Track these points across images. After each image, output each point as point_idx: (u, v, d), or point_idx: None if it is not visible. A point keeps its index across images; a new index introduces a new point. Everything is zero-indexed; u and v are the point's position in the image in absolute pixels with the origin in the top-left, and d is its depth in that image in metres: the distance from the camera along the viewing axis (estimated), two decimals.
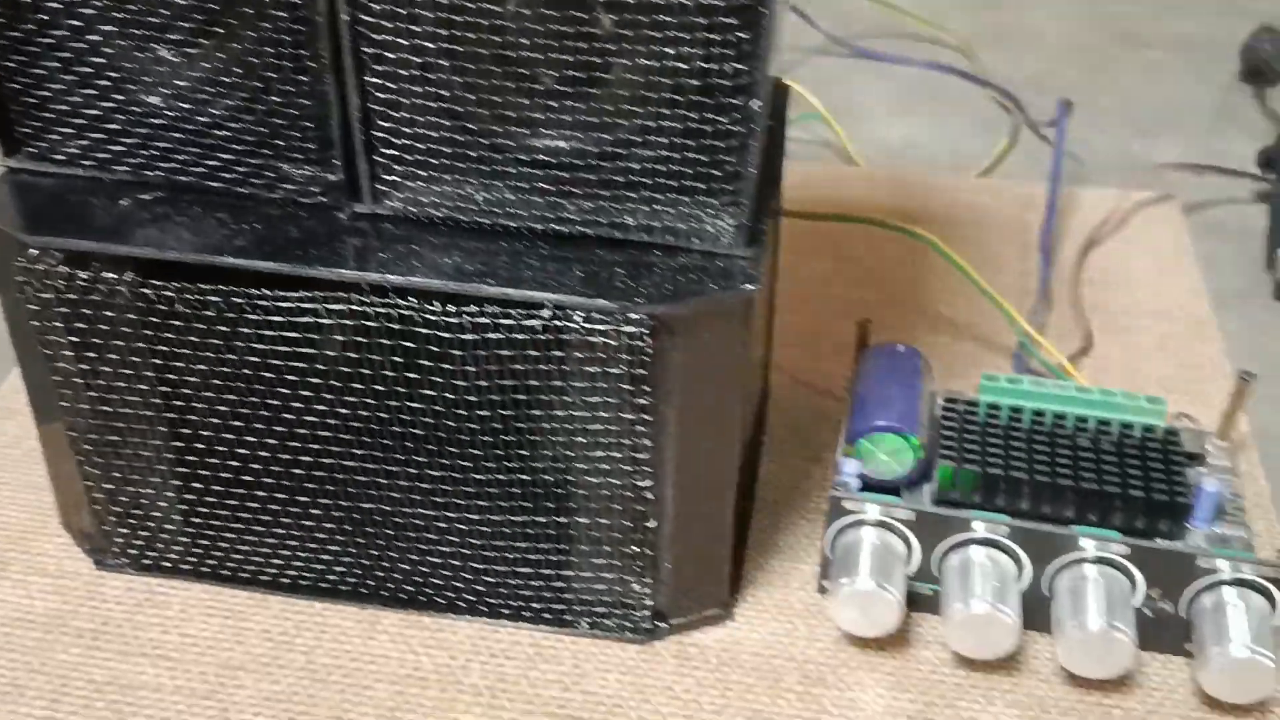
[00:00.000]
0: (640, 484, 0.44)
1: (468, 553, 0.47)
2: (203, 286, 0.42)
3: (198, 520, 0.48)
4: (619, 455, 0.44)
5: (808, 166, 0.79)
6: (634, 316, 0.40)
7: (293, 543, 0.48)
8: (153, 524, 0.49)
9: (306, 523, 0.48)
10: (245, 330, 0.43)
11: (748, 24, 0.38)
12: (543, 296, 0.41)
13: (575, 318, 0.41)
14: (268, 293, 0.42)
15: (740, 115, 0.39)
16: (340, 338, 0.43)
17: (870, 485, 0.50)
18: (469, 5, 0.39)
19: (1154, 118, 0.87)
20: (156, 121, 0.43)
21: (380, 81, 0.40)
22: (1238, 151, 0.82)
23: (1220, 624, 0.46)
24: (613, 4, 0.38)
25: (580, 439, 0.44)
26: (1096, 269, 0.70)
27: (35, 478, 0.54)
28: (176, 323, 0.43)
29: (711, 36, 0.38)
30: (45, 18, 0.42)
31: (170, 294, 0.42)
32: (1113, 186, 0.77)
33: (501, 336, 0.41)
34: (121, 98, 0.43)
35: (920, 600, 0.50)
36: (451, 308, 0.41)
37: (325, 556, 0.49)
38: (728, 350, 0.42)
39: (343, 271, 0.41)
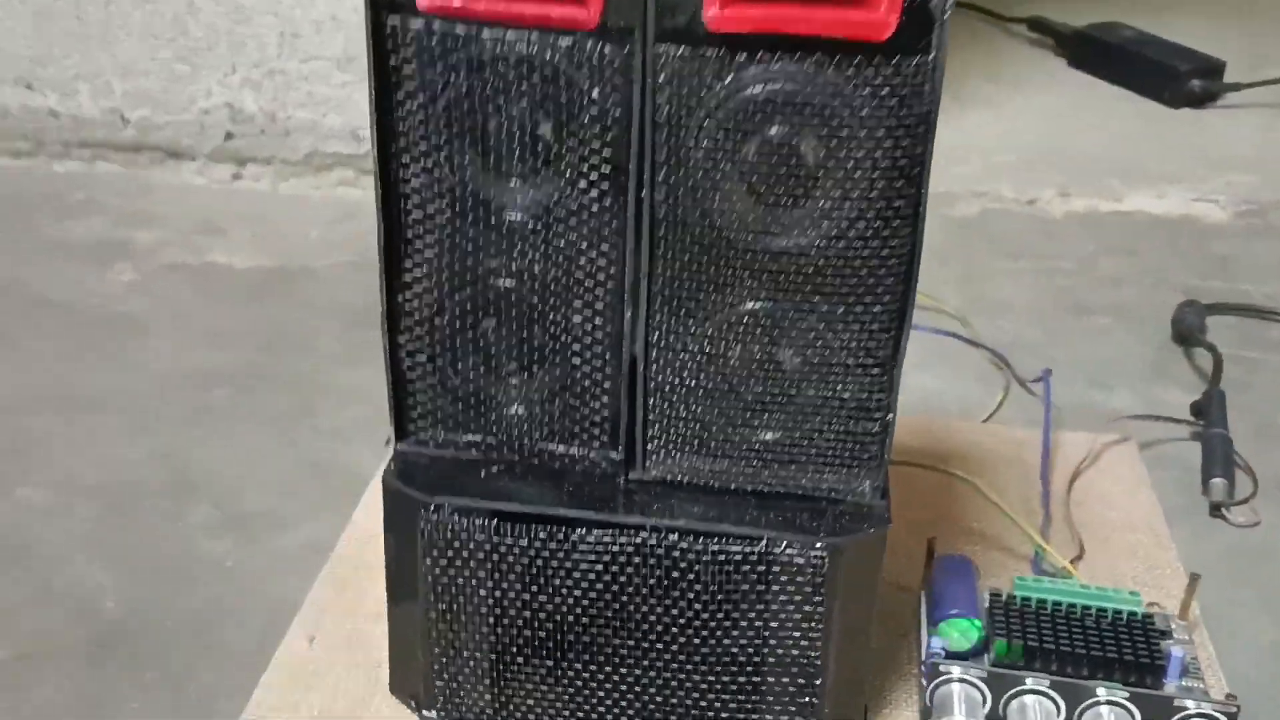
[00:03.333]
0: (813, 654, 0.68)
1: (690, 703, 0.70)
2: (542, 529, 0.66)
3: (500, 683, 0.71)
4: (799, 635, 0.68)
5: None
6: (819, 545, 0.65)
7: (566, 698, 0.71)
8: (468, 686, 0.71)
9: (577, 684, 0.71)
10: (561, 555, 0.67)
11: (885, 368, 0.64)
12: (760, 532, 0.65)
13: (779, 545, 0.65)
14: (582, 533, 0.66)
15: (881, 422, 0.65)
16: (623, 560, 0.67)
17: (949, 654, 0.75)
18: (717, 361, 0.65)
19: (1106, 372, 1.15)
20: (506, 423, 0.68)
21: (657, 403, 0.66)
22: (1173, 400, 1.10)
23: None
24: (797, 349, 0.64)
25: (774, 624, 0.68)
26: (1080, 493, 0.95)
27: (355, 659, 0.76)
28: (518, 550, 0.67)
29: (864, 380, 0.64)
30: (435, 367, 0.67)
31: (519, 533, 0.66)
32: (1082, 429, 1.04)
33: (726, 558, 0.66)
34: (483, 408, 0.68)
35: None
36: (700, 541, 0.66)
37: (585, 708, 0.71)
38: (871, 566, 0.67)
39: (635, 518, 0.66)
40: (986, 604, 0.77)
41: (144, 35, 1.42)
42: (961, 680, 0.73)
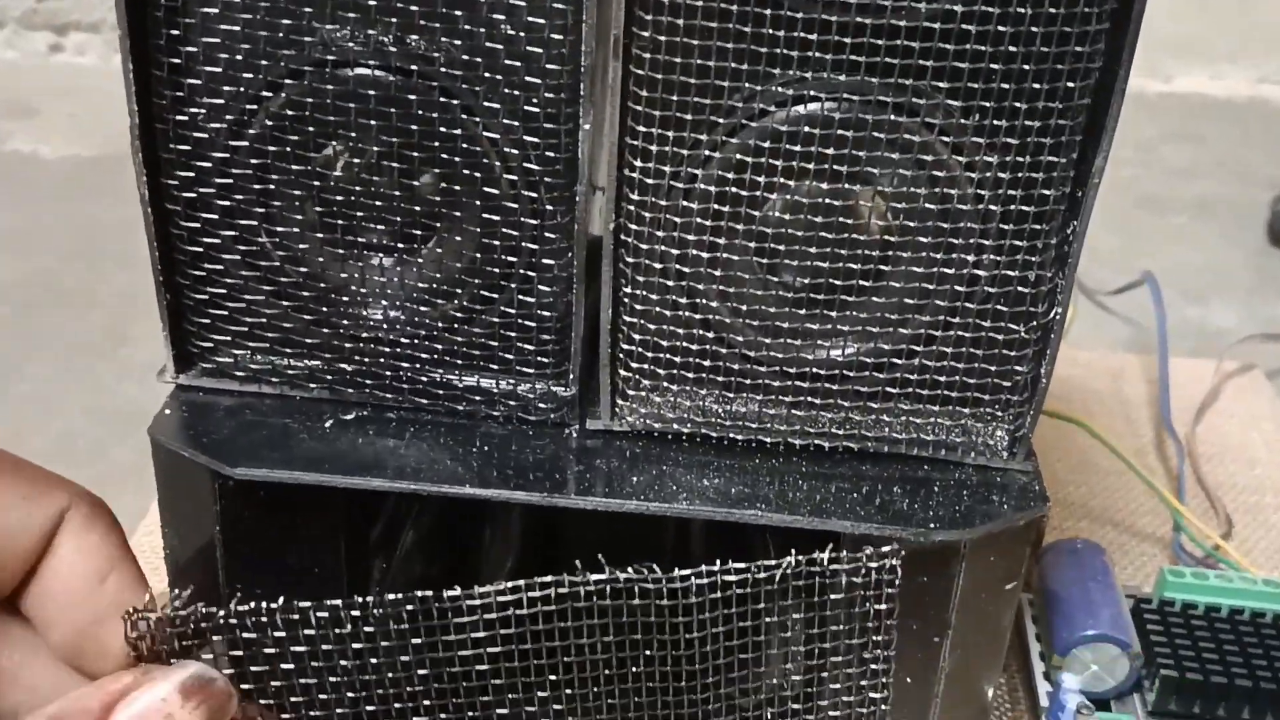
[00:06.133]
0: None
1: None
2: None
3: None
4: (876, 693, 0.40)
5: None
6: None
7: None
8: None
9: None
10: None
11: (1054, 222, 0.35)
12: (822, 522, 0.37)
13: (854, 541, 0.37)
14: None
15: (1039, 324, 0.37)
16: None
17: (1090, 699, 0.47)
18: (739, 210, 0.36)
19: (1198, 282, 0.88)
20: (363, 335, 0.39)
21: (640, 292, 0.37)
22: None
23: None
24: (891, 189, 0.35)
25: (837, 677, 0.39)
26: (1207, 443, 0.68)
27: None
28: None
29: (1015, 244, 0.36)
30: (236, 230, 0.37)
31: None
32: (1183, 355, 0.77)
33: (760, 570, 0.37)
34: (325, 309, 0.38)
35: None
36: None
37: None
38: (1009, 573, 0.39)
39: (596, 498, 0.37)
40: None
41: None
42: None
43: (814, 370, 0.38)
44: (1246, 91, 1.20)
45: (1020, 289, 0.36)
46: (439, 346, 0.38)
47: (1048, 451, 0.66)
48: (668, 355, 0.38)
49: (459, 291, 0.38)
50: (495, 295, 0.38)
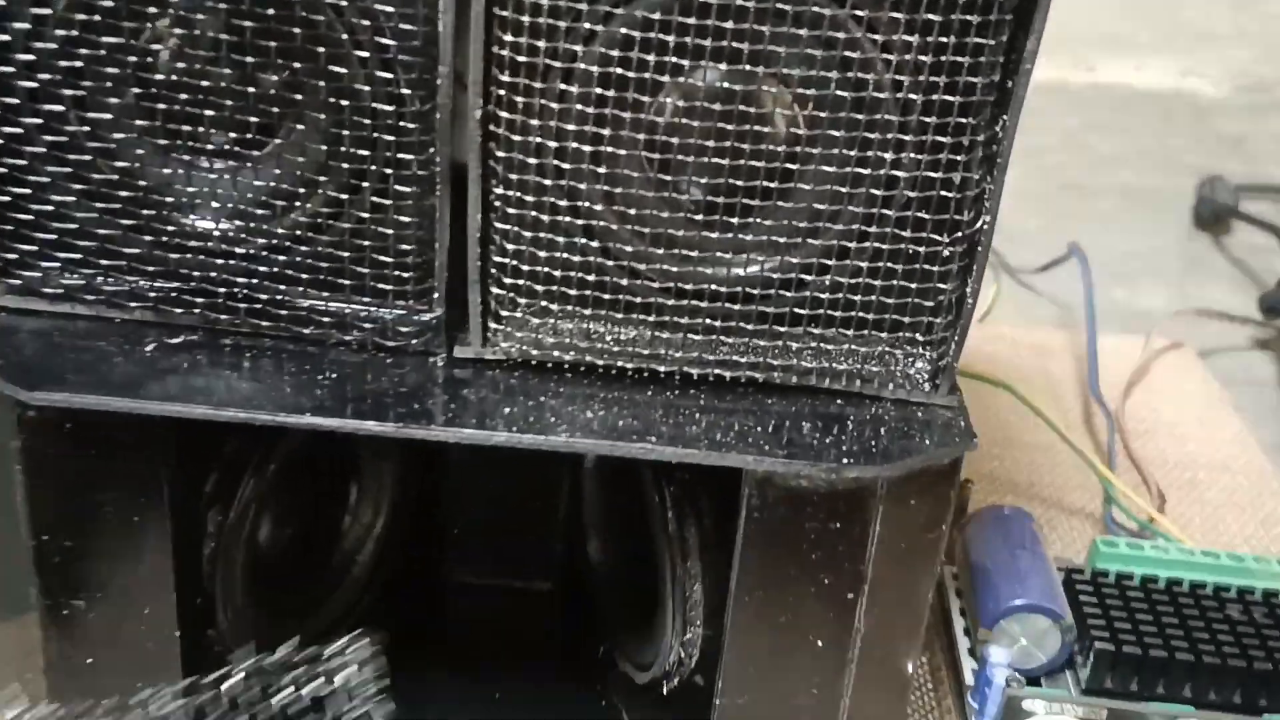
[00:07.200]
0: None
1: None
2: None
3: None
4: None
5: None
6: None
7: None
8: None
9: None
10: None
11: (984, 116, 0.31)
12: (719, 456, 0.32)
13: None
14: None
15: (965, 236, 0.32)
16: None
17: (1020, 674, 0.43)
18: (625, 96, 0.31)
19: (1125, 264, 0.86)
20: (191, 245, 0.33)
21: (513, 194, 0.32)
22: (1213, 296, 0.81)
23: None
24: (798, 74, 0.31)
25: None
26: (1136, 420, 0.65)
27: None
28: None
29: (938, 143, 0.31)
30: (41, 118, 0.32)
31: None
32: (1111, 333, 0.74)
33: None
34: (147, 214, 0.33)
35: None
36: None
37: None
38: (932, 520, 0.34)
39: (468, 429, 0.32)
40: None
41: None
42: None
43: (713, 289, 0.33)
44: (1170, 83, 1.19)
45: (944, 194, 0.32)
46: (281, 259, 0.33)
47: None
48: (546, 269, 0.33)
49: (303, 193, 0.33)
50: (346, 198, 0.33)
